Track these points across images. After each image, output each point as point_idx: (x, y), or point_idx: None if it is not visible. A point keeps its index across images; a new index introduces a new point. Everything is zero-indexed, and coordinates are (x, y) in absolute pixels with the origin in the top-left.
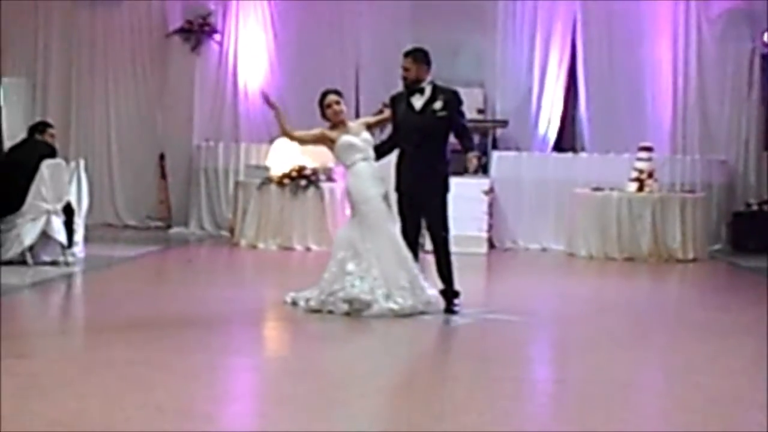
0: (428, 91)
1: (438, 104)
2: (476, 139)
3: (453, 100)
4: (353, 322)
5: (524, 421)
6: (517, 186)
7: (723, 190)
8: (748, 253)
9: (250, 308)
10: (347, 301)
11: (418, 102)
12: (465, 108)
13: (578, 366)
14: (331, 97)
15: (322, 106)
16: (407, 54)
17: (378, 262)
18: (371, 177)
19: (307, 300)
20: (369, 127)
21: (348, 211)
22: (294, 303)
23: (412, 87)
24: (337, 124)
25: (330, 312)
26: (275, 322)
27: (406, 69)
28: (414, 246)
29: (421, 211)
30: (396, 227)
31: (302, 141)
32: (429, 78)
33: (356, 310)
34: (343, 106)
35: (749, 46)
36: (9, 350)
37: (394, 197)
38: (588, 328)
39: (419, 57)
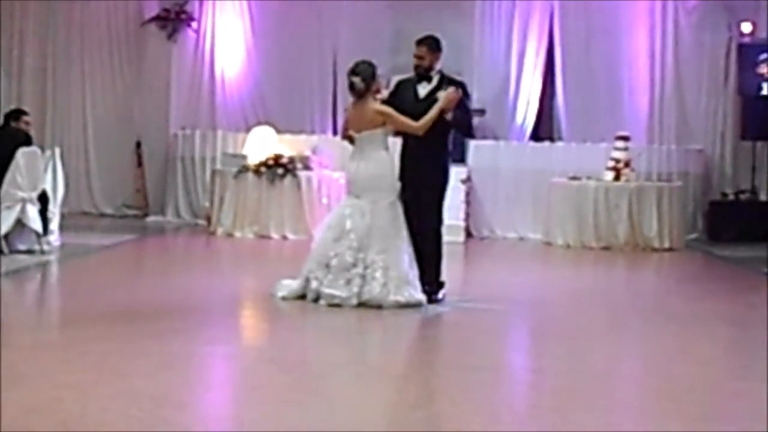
0: (435, 80)
1: (441, 94)
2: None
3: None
4: (329, 312)
5: (500, 410)
6: (494, 175)
7: (699, 180)
8: (723, 242)
9: (226, 297)
10: (361, 301)
11: (423, 90)
12: None
13: (554, 355)
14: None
15: (377, 78)
16: (421, 42)
17: (396, 255)
18: None
19: (316, 278)
20: None
21: (324, 200)
22: (285, 298)
23: (423, 75)
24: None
25: (315, 301)
26: (252, 311)
27: (420, 57)
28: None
29: (419, 200)
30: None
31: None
32: (438, 66)
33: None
34: None
35: (726, 35)
36: None
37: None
38: (564, 317)
39: (433, 45)
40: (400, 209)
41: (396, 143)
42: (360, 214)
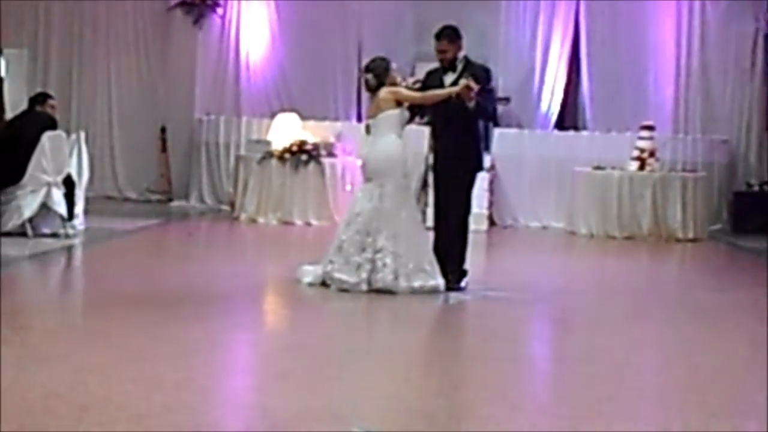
0: (460, 67)
1: (464, 81)
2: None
3: (481, 78)
4: (353, 298)
5: (522, 398)
6: (519, 163)
7: (724, 170)
8: (748, 233)
9: (250, 282)
10: (373, 287)
11: (448, 79)
12: None
13: (576, 344)
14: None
15: (390, 73)
16: (440, 36)
17: (406, 238)
18: None
19: (331, 262)
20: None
21: (348, 187)
22: (311, 284)
23: (448, 67)
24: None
25: (323, 284)
26: (275, 297)
27: (442, 51)
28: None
29: (448, 188)
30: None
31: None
32: (462, 53)
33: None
34: None
35: (752, 25)
36: (7, 322)
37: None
38: (587, 307)
39: (453, 36)
40: (409, 194)
41: (424, 132)
42: (368, 198)
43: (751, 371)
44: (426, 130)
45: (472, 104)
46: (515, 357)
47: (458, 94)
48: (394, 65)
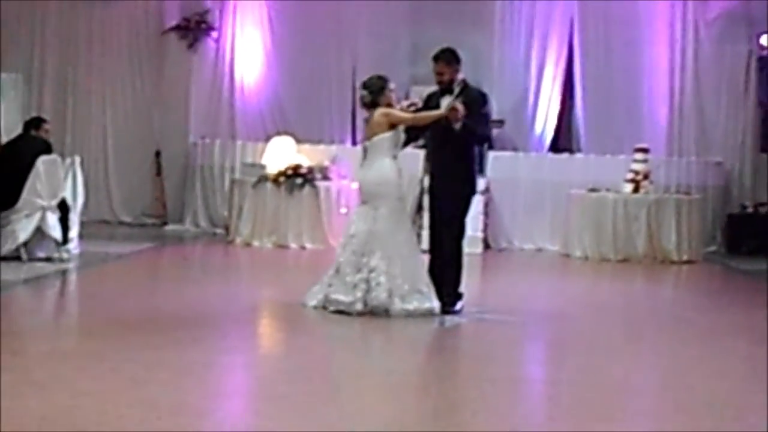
0: (456, 90)
1: (451, 103)
2: None
3: (476, 101)
4: (348, 321)
5: (518, 421)
6: (513, 186)
7: (718, 192)
8: (742, 255)
9: (245, 306)
10: (368, 307)
11: (445, 102)
12: None
13: (572, 366)
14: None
15: (386, 92)
16: (438, 58)
17: (401, 260)
18: None
19: (330, 285)
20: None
21: (343, 210)
22: (324, 307)
23: (446, 89)
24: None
25: (324, 308)
26: (270, 320)
27: (439, 73)
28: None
29: (441, 210)
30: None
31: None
32: (461, 76)
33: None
34: None
35: (746, 48)
36: (2, 346)
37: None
38: (582, 329)
39: (451, 59)
40: (404, 217)
41: (419, 154)
42: (363, 219)
43: (746, 392)
44: (421, 153)
45: (458, 126)
46: (511, 379)
47: (446, 116)
48: (392, 85)
